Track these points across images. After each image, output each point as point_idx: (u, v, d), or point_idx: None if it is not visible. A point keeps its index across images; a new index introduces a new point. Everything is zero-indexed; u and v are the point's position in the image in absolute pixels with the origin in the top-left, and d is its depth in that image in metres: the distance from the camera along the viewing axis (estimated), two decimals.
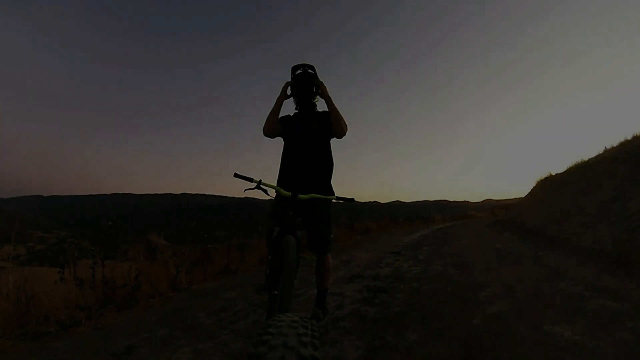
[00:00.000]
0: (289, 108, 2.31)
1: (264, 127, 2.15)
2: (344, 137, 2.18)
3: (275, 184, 1.99)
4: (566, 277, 3.34)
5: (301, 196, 1.83)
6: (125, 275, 3.31)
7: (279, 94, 2.18)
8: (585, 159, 8.29)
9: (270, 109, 2.16)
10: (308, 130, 2.18)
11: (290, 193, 1.82)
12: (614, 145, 7.38)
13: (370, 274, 4.11)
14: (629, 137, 6.90)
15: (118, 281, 3.24)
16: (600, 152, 7.77)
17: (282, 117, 2.24)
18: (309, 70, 2.16)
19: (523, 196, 12.09)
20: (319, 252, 2.22)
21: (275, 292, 1.56)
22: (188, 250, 4.64)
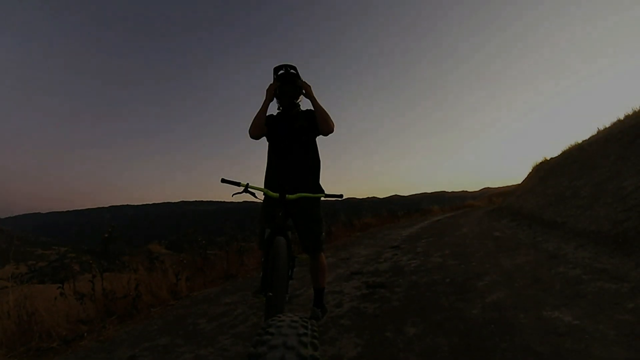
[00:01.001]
0: (271, 108, 2.32)
1: (250, 129, 2.16)
2: (330, 134, 2.18)
3: (262, 186, 2.00)
4: (564, 261, 3.36)
5: (289, 196, 1.84)
6: (126, 286, 3.31)
7: (264, 98, 2.19)
8: (579, 141, 8.34)
9: (257, 112, 2.17)
10: (292, 129, 2.19)
11: (278, 194, 1.82)
12: (607, 126, 7.43)
13: (369, 270, 4.11)
14: (621, 117, 6.95)
15: (118, 292, 3.24)
16: (594, 134, 7.82)
17: (266, 117, 2.25)
18: (291, 71, 2.17)
19: (520, 182, 12.16)
20: (312, 252, 2.22)
21: (271, 293, 1.56)
22: (187, 257, 4.64)
